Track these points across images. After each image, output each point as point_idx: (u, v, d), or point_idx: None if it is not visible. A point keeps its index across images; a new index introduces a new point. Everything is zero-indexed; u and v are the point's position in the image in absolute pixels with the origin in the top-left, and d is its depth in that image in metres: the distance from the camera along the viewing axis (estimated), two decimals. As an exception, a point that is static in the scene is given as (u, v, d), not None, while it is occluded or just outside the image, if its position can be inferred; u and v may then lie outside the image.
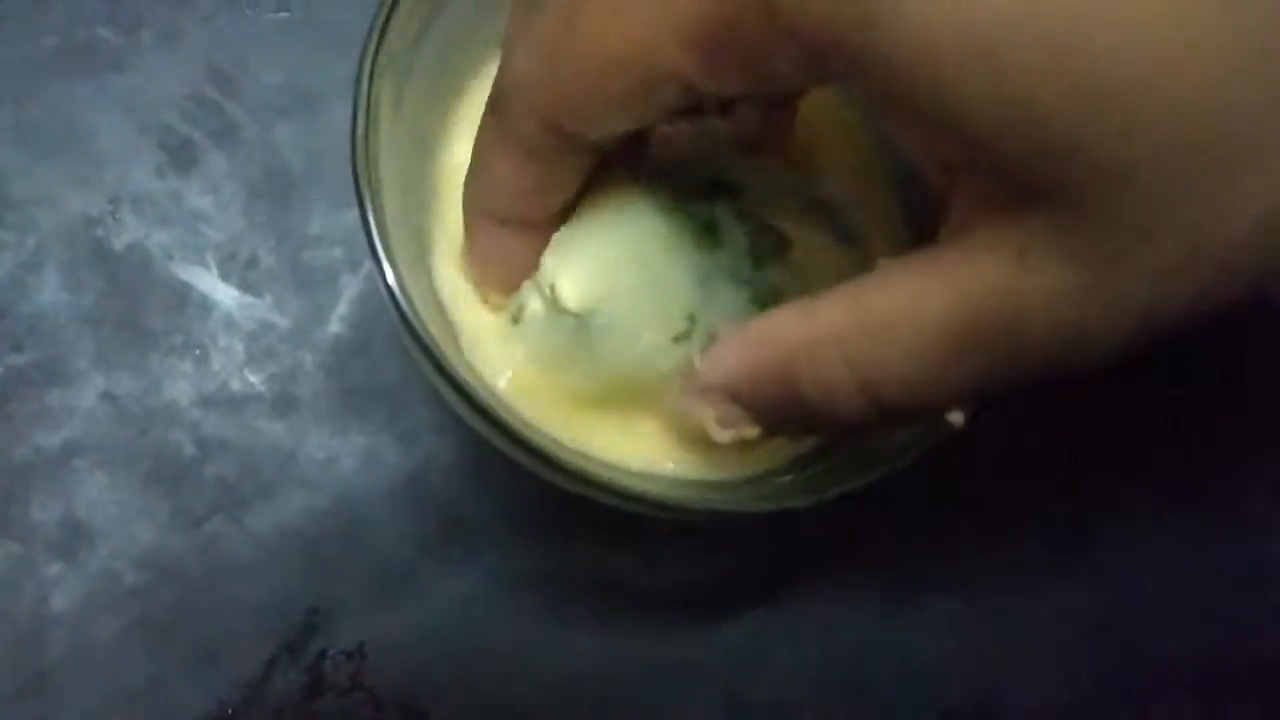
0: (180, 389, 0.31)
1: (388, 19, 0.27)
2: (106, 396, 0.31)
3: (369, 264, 0.26)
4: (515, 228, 0.25)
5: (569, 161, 0.24)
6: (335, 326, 0.32)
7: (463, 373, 0.25)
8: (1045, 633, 0.33)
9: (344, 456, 0.31)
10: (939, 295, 0.19)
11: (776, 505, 0.26)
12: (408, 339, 0.25)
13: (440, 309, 0.29)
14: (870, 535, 0.32)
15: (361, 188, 0.25)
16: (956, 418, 0.22)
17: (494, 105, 0.23)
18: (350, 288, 0.32)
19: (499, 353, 0.28)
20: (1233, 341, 0.35)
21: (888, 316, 0.19)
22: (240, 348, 0.32)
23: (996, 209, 0.18)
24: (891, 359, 0.19)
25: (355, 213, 0.25)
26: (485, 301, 0.27)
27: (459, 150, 0.30)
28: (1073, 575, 0.33)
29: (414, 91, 0.28)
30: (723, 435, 0.23)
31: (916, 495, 0.29)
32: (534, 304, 0.26)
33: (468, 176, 0.25)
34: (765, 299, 0.26)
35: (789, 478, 0.29)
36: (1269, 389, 0.35)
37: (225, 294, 0.32)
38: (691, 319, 0.25)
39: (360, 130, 0.25)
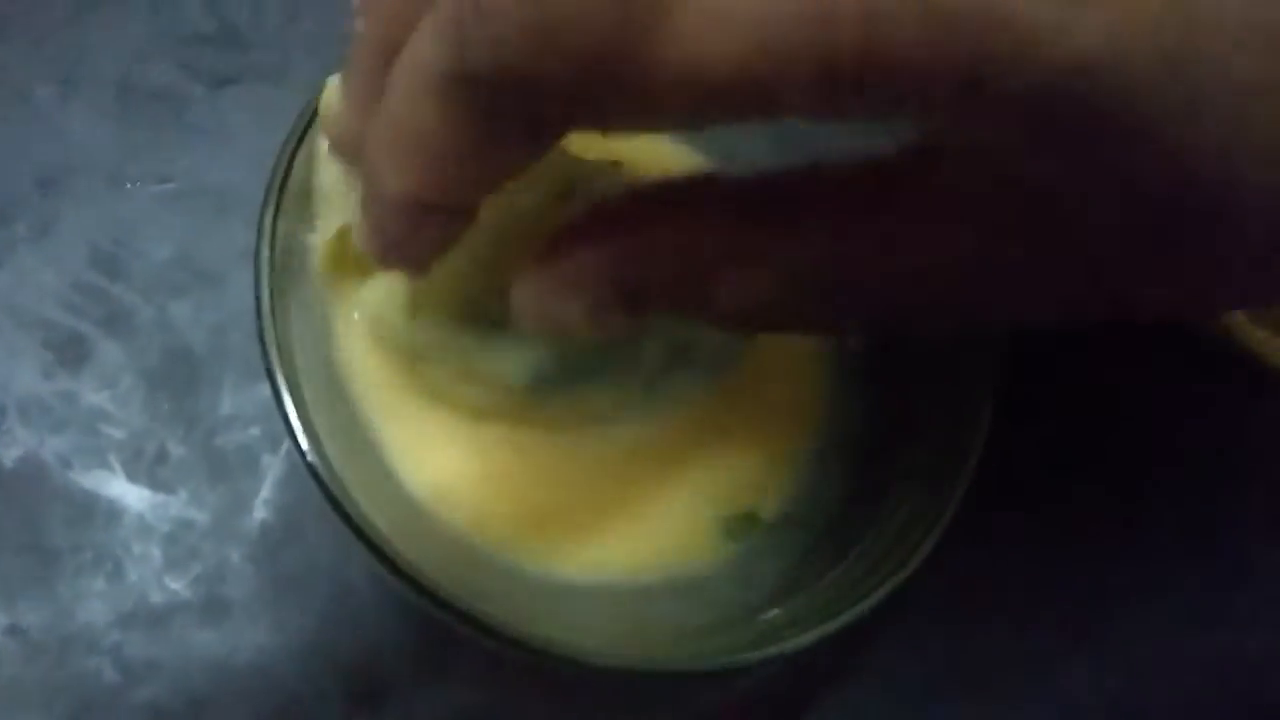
0: (95, 610, 0.28)
1: (285, 179, 0.25)
2: (12, 631, 0.28)
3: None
4: (441, 211, 0.19)
5: (530, 153, 0.18)
6: (260, 513, 0.29)
7: (400, 549, 0.23)
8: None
9: (285, 655, 0.28)
10: None
11: (765, 653, 0.24)
12: (343, 524, 0.23)
13: (364, 440, 0.27)
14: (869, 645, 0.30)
15: (273, 365, 0.23)
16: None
17: (473, 81, 0.16)
18: (273, 468, 0.30)
19: (436, 464, 0.27)
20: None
21: None
22: (157, 553, 0.29)
23: None
24: None
25: (269, 386, 0.23)
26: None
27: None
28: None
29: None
30: (583, 325, 0.21)
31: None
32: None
33: (390, 148, 0.18)
34: None
35: (776, 611, 0.27)
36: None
37: (135, 496, 0.29)
38: None
39: (266, 305, 0.23)
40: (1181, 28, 0.14)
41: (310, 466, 0.22)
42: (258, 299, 0.23)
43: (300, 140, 0.25)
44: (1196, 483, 0.34)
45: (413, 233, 0.19)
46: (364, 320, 0.26)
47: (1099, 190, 0.16)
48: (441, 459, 0.28)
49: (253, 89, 0.32)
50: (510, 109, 0.16)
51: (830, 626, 0.25)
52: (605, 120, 0.17)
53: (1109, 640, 0.32)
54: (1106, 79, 0.15)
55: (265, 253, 0.23)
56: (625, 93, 0.16)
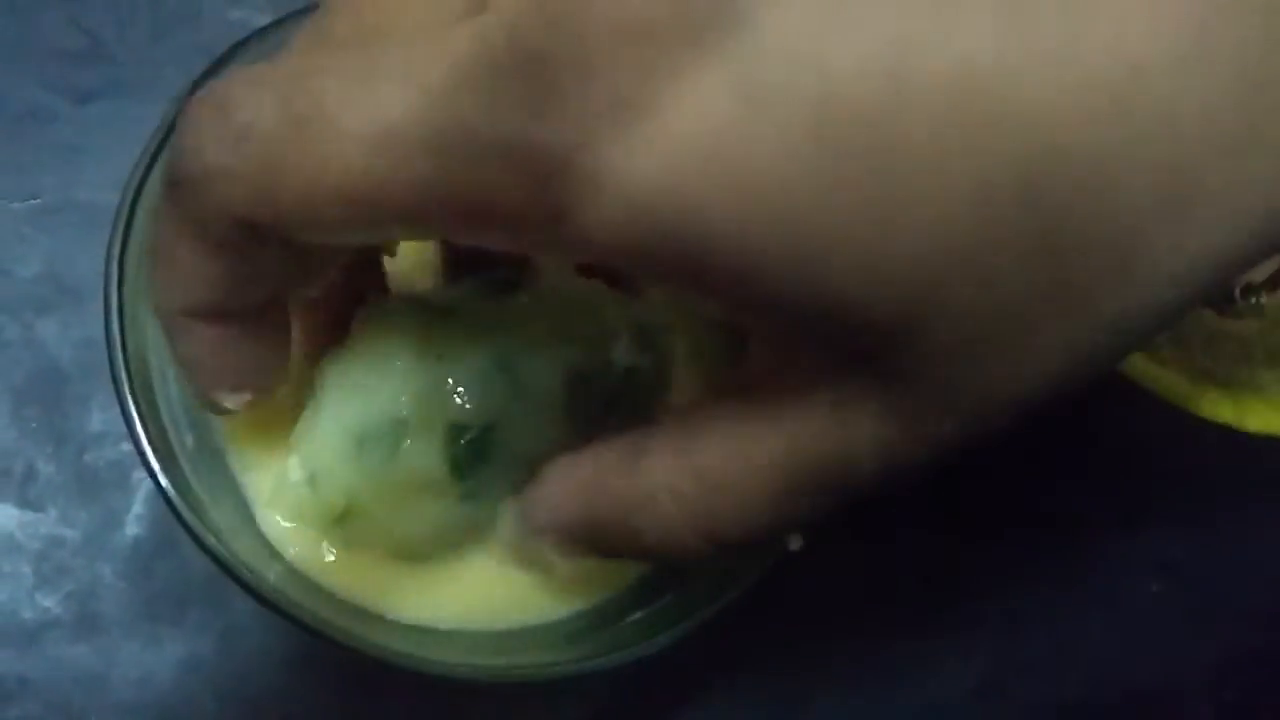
0: (-37, 629, 0.28)
1: (135, 199, 0.25)
2: (-122, 652, 0.28)
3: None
4: (222, 321, 0.21)
5: (279, 256, 0.19)
6: (133, 529, 0.29)
7: (259, 572, 0.24)
8: None
9: (160, 669, 0.28)
10: (765, 444, 0.19)
11: (628, 655, 0.25)
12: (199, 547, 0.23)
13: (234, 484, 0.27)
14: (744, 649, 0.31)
15: (123, 391, 0.23)
16: (795, 543, 0.23)
17: (173, 192, 0.19)
18: (145, 483, 0.30)
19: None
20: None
21: (720, 467, 0.19)
22: (28, 571, 0.29)
23: (808, 367, 0.18)
24: (727, 506, 0.19)
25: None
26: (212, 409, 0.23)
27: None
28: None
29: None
30: (566, 566, 0.23)
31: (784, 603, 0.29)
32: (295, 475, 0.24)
33: (151, 270, 0.21)
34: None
35: (638, 614, 0.27)
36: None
37: (3, 515, 0.29)
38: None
39: (115, 331, 0.24)
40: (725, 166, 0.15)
41: (164, 492, 0.23)
42: (107, 322, 0.23)
43: (151, 162, 0.25)
44: (1057, 483, 0.36)
45: (212, 352, 0.21)
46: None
47: (766, 320, 0.18)
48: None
49: (119, 104, 0.32)
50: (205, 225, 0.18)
51: (691, 623, 0.26)
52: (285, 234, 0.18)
53: (978, 637, 0.34)
54: (670, 217, 0.15)
55: (114, 282, 0.24)
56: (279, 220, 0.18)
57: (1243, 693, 0.34)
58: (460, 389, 0.23)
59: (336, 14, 0.19)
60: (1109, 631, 0.34)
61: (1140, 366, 0.30)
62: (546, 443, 0.23)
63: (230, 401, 0.22)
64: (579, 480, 0.22)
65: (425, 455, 0.23)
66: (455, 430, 0.23)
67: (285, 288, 0.21)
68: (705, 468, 0.19)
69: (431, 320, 0.23)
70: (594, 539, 0.22)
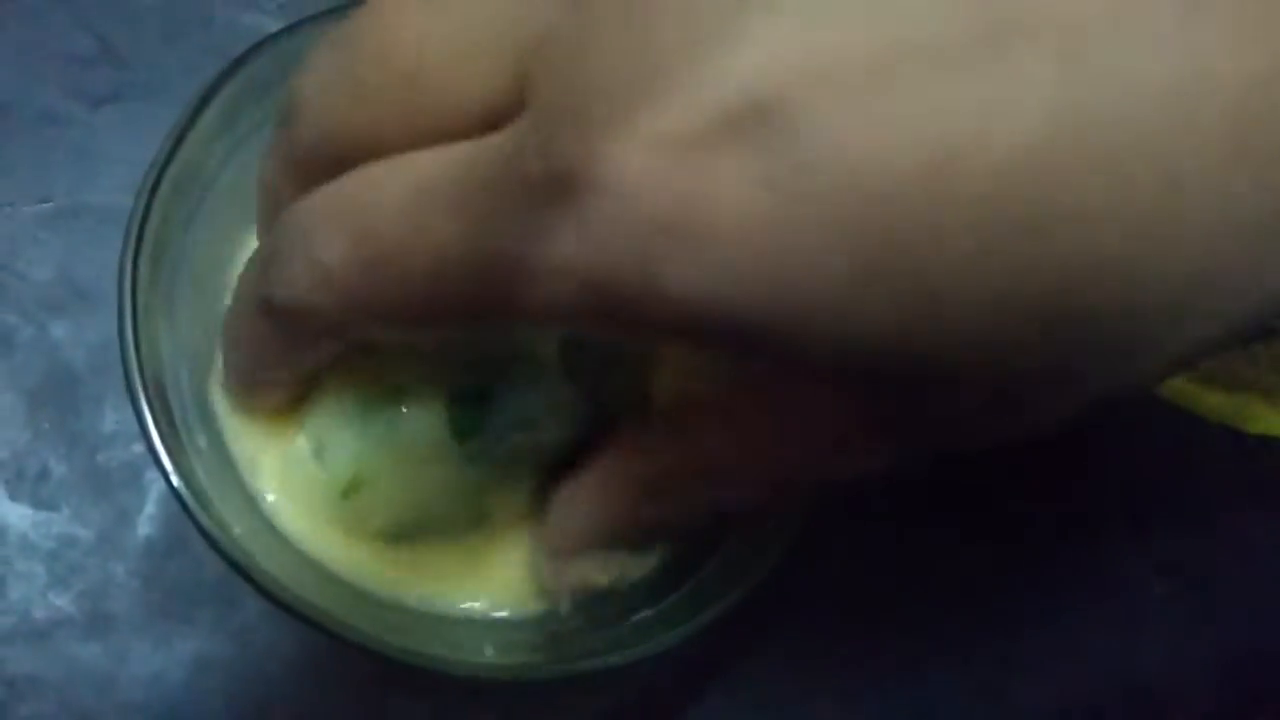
0: (-24, 628, 0.28)
1: (149, 203, 0.26)
2: (-108, 650, 0.28)
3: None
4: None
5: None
6: (145, 528, 0.30)
7: (273, 571, 0.24)
8: None
9: (172, 669, 0.29)
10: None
11: (643, 651, 0.25)
12: (211, 547, 0.23)
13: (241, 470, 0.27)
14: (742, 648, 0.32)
15: (136, 391, 0.23)
16: None
17: (266, 307, 0.21)
18: (157, 483, 0.30)
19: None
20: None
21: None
22: (41, 570, 0.29)
23: None
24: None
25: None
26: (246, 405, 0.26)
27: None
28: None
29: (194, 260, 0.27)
30: (605, 578, 0.23)
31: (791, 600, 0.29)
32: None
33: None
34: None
35: (648, 612, 0.28)
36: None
37: (17, 515, 0.29)
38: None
39: (129, 334, 0.24)
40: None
41: (176, 492, 0.23)
42: (120, 325, 0.23)
43: (165, 165, 0.25)
44: (1059, 484, 0.36)
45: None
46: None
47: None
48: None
49: (132, 107, 0.33)
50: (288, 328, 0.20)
51: (701, 621, 0.26)
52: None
53: (980, 637, 0.34)
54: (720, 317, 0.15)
55: (128, 284, 0.24)
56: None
57: (1245, 694, 0.34)
58: (458, 352, 0.23)
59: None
60: (1111, 632, 0.34)
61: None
62: (548, 402, 0.24)
63: (262, 399, 0.25)
64: (584, 493, 0.22)
65: (426, 419, 0.23)
66: (454, 393, 0.23)
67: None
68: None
69: None
70: (620, 537, 0.22)
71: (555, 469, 0.24)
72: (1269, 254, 0.13)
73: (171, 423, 0.24)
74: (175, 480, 0.23)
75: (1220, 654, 0.34)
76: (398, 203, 0.17)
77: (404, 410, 0.23)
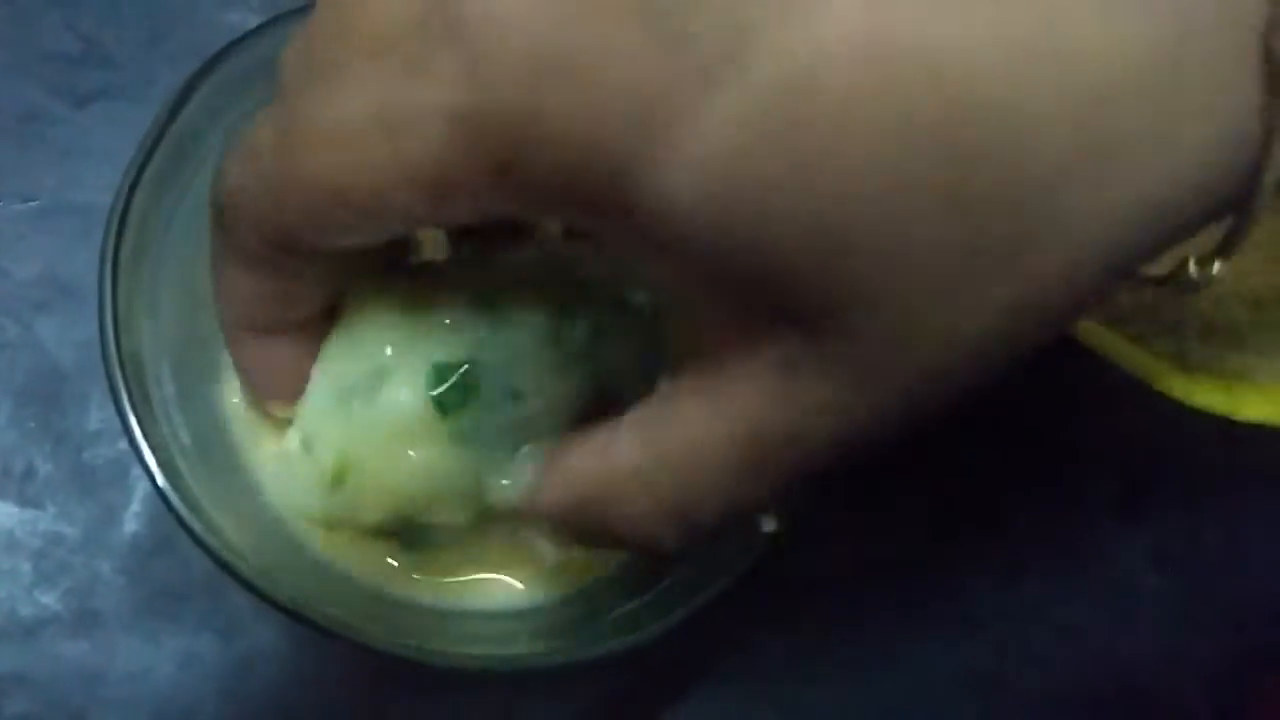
0: (-38, 626, 0.28)
1: (128, 200, 0.26)
2: (-120, 649, 0.28)
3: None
4: (274, 334, 0.23)
5: (309, 269, 0.22)
6: (131, 525, 0.30)
7: (261, 565, 0.24)
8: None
9: (159, 665, 0.29)
10: (722, 420, 0.19)
11: (625, 645, 0.25)
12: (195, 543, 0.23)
13: (232, 448, 0.28)
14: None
15: (118, 389, 0.24)
16: (769, 524, 0.23)
17: (215, 218, 0.22)
18: (143, 481, 0.30)
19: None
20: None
21: (682, 448, 0.19)
22: (27, 568, 0.29)
23: (750, 331, 0.17)
24: (693, 486, 0.19)
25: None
26: (268, 416, 0.26)
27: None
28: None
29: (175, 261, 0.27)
30: (554, 554, 0.24)
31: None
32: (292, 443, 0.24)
33: (214, 291, 0.23)
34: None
35: (635, 603, 0.28)
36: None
37: (3, 513, 0.29)
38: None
39: (110, 331, 0.24)
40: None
41: (157, 486, 0.23)
42: (101, 323, 0.24)
43: (144, 163, 0.25)
44: (1055, 475, 0.36)
45: (264, 363, 0.24)
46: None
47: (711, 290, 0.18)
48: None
49: (117, 106, 0.33)
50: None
51: (682, 613, 0.26)
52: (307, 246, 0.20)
53: (974, 629, 0.34)
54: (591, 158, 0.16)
55: (108, 282, 0.24)
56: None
57: (1240, 685, 0.34)
58: (439, 329, 0.23)
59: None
60: (1106, 624, 0.34)
61: (1135, 358, 0.30)
62: (535, 379, 0.23)
63: (279, 410, 0.25)
64: (561, 470, 0.22)
65: (409, 397, 0.22)
66: (437, 369, 0.23)
67: (325, 300, 0.23)
68: (668, 450, 0.19)
69: (415, 279, 0.23)
70: (577, 529, 0.22)
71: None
72: (1163, 121, 0.15)
73: (154, 420, 0.24)
74: (159, 477, 0.23)
75: (1213, 644, 0.34)
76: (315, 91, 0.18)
77: (385, 389, 0.23)
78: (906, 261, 0.15)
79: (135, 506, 0.30)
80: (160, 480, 0.23)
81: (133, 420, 0.23)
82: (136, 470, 0.30)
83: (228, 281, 0.22)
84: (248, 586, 0.23)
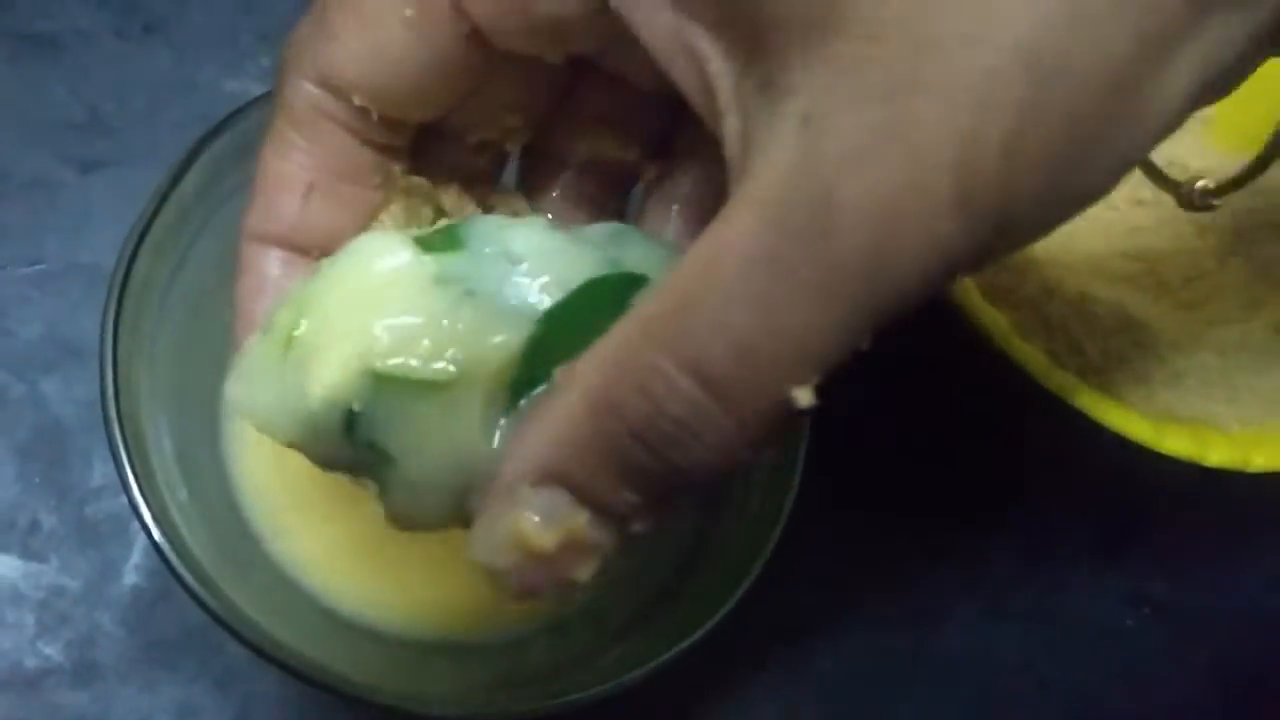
0: (-33, 677, 0.29)
1: (130, 264, 0.27)
2: (-114, 701, 0.29)
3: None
4: (292, 256, 0.21)
5: (347, 142, 0.21)
6: (131, 578, 0.31)
7: (252, 620, 0.25)
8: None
9: (157, 714, 0.30)
10: (739, 227, 0.15)
11: (605, 690, 0.26)
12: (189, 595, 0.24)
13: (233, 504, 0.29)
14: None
15: (116, 447, 0.25)
16: (805, 397, 0.16)
17: (275, 93, 0.21)
18: (143, 534, 0.31)
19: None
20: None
21: (691, 278, 0.16)
22: (30, 620, 0.30)
23: (765, 92, 0.15)
24: (709, 321, 0.15)
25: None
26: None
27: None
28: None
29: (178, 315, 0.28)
30: (548, 536, 0.17)
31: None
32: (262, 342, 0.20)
33: (252, 187, 0.22)
34: None
35: (615, 653, 0.28)
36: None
37: (7, 566, 0.30)
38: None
39: (110, 389, 0.25)
40: None
41: (156, 544, 0.24)
42: (102, 385, 0.25)
43: (146, 228, 0.26)
44: (1034, 521, 0.37)
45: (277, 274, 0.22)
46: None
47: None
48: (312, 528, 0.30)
49: (121, 172, 0.34)
50: None
51: (664, 659, 0.26)
52: None
53: (955, 671, 0.34)
54: None
55: (109, 341, 0.25)
56: None
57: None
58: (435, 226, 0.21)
59: None
60: (1086, 664, 0.35)
61: (1104, 408, 0.31)
62: (538, 250, 0.19)
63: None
64: (545, 398, 0.18)
65: (383, 242, 0.19)
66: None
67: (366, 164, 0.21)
68: (676, 288, 0.16)
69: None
70: (576, 452, 0.17)
71: None
72: None
73: (152, 477, 0.25)
74: (155, 532, 0.24)
75: (1189, 684, 0.35)
76: None
77: (356, 242, 0.19)
78: None
79: (135, 559, 0.31)
80: (156, 535, 0.24)
81: (130, 477, 0.24)
82: (137, 524, 0.31)
83: (264, 174, 0.21)
84: (240, 639, 0.24)
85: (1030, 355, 0.30)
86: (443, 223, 0.21)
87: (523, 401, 0.18)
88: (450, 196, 0.23)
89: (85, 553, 0.31)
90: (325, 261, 0.20)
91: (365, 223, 0.22)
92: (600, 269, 0.19)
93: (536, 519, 0.17)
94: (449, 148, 0.23)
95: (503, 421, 0.18)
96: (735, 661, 0.33)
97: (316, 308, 0.18)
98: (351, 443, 0.19)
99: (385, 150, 0.21)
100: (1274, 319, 0.35)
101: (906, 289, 0.15)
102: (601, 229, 0.20)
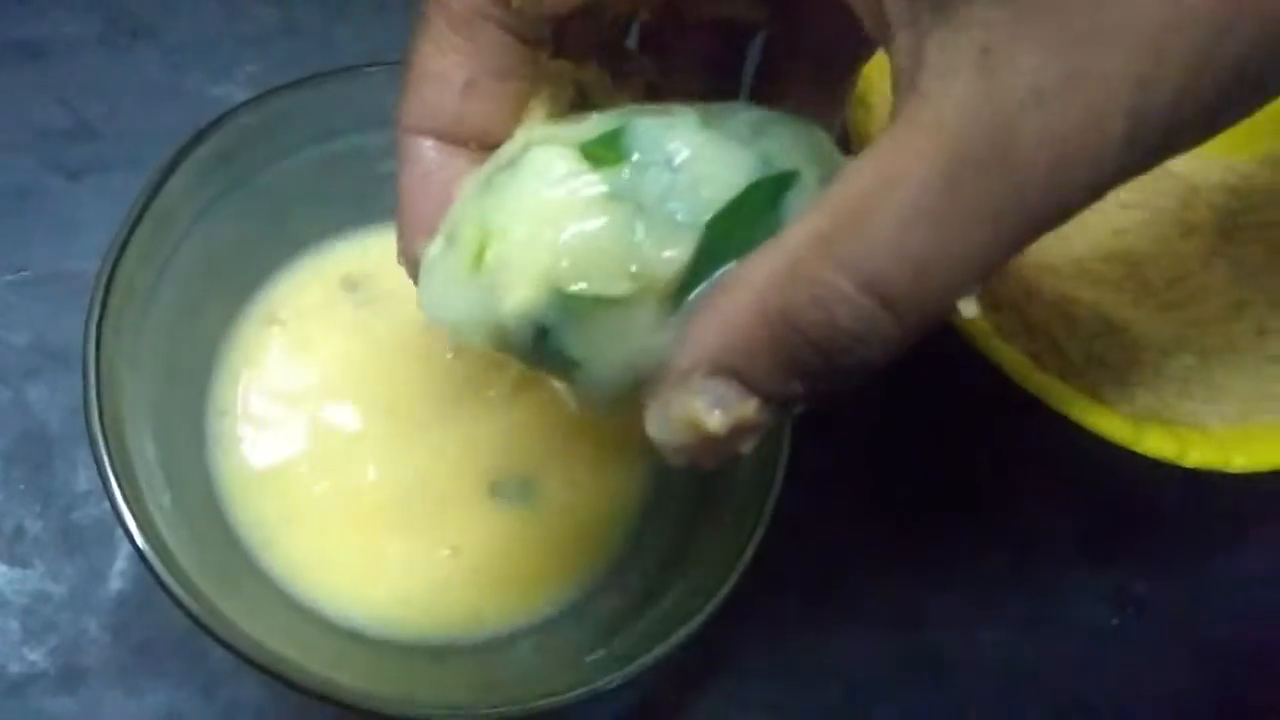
0: (-48, 683, 0.29)
1: (113, 271, 0.27)
2: None
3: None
4: (451, 148, 0.22)
5: (503, 39, 0.22)
6: (116, 583, 0.31)
7: (235, 624, 0.25)
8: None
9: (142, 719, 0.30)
10: (916, 150, 0.16)
11: (590, 691, 0.26)
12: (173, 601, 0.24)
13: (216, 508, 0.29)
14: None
15: (99, 452, 0.25)
16: (969, 308, 0.18)
17: None
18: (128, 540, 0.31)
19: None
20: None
21: (869, 196, 0.17)
22: (15, 625, 0.30)
23: (941, 13, 0.16)
24: (885, 239, 0.16)
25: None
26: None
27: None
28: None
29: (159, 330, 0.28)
30: (719, 420, 0.18)
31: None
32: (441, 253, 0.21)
33: (400, 93, 0.23)
34: None
35: (601, 653, 0.29)
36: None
37: (-8, 572, 0.30)
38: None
39: (93, 394, 0.25)
40: None
41: (139, 550, 0.24)
42: (85, 393, 0.25)
43: (129, 235, 0.27)
44: (1016, 520, 0.37)
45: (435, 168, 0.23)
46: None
47: None
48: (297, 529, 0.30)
49: (107, 178, 0.34)
50: None
51: (649, 659, 0.27)
52: None
53: (940, 671, 0.35)
54: None
55: (91, 347, 0.25)
56: None
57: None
58: (590, 121, 0.21)
59: None
60: (1071, 662, 0.35)
61: (1087, 410, 0.31)
62: (693, 152, 0.20)
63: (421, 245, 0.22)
64: (719, 290, 0.19)
65: (555, 155, 0.20)
66: (585, 145, 0.20)
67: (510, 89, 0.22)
68: (852, 205, 0.17)
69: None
70: (750, 350, 0.18)
71: None
72: None
73: (135, 483, 0.26)
74: (138, 538, 0.24)
75: (1172, 684, 0.35)
76: None
77: (529, 154, 0.20)
78: None
79: (120, 564, 0.31)
80: (139, 540, 0.24)
81: (113, 483, 0.24)
82: (121, 530, 0.31)
83: (417, 65, 0.22)
84: (224, 644, 0.24)
85: (1011, 357, 0.31)
86: (595, 118, 0.21)
87: (692, 297, 0.20)
88: (588, 73, 0.24)
89: (71, 558, 0.31)
90: (498, 173, 0.21)
91: (518, 111, 0.23)
92: (753, 169, 0.20)
93: (709, 405, 0.18)
94: (586, 25, 0.24)
95: (673, 319, 0.20)
96: (722, 662, 0.33)
97: (499, 226, 0.20)
98: (542, 350, 0.21)
99: (533, 43, 0.22)
100: (1257, 320, 0.35)
101: (1069, 209, 0.16)
102: (744, 119, 0.21)
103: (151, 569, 0.24)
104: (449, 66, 0.22)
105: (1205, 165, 0.40)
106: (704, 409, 0.18)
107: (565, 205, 0.20)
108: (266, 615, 0.28)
